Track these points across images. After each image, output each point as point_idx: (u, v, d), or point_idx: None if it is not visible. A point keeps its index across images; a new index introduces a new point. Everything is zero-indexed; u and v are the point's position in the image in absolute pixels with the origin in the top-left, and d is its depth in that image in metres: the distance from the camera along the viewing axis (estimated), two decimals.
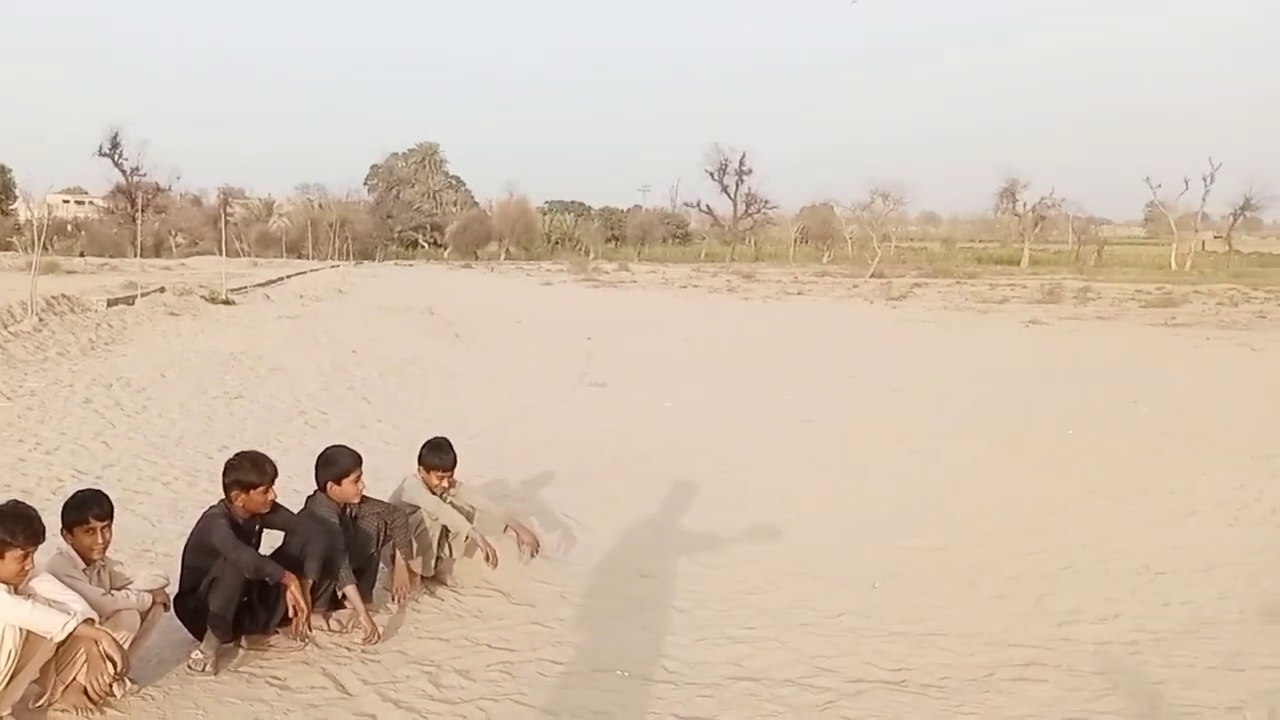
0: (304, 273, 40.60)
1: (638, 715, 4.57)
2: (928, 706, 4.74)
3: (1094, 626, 5.86)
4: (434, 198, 78.79)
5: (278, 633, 5.23)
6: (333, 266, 50.45)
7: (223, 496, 5.07)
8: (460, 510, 6.16)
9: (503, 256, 65.61)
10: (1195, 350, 20.95)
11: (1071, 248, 70.20)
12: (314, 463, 5.64)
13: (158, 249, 58.82)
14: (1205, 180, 63.23)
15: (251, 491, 5.00)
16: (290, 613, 4.97)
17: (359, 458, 5.63)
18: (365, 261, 60.68)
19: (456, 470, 6.28)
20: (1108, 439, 11.30)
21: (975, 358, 19.45)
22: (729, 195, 72.01)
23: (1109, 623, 5.93)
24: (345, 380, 14.29)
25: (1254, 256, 66.70)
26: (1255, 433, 11.55)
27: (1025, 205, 68.93)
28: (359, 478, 5.57)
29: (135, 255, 36.38)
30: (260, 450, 5.33)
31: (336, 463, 5.55)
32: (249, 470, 5.02)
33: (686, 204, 78.01)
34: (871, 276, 44.89)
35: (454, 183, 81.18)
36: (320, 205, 72.57)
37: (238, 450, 5.34)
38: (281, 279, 35.02)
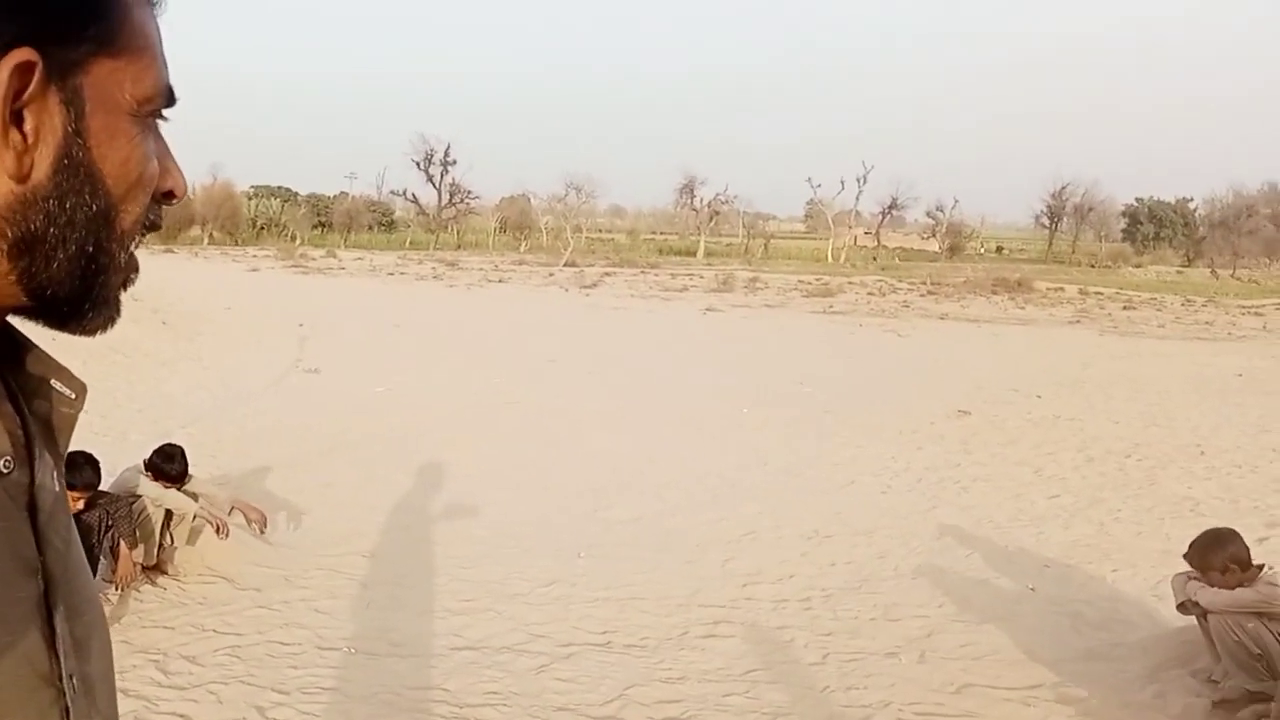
0: None
1: (366, 689, 4.58)
2: (631, 664, 4.99)
3: (772, 586, 6.29)
4: None
5: None
6: None
7: None
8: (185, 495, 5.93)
9: (206, 241, 62.02)
10: (850, 335, 22.53)
11: (742, 241, 73.41)
12: None
13: None
14: (859, 182, 67.29)
15: None
16: None
17: (94, 482, 5.31)
18: None
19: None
20: (777, 416, 12.05)
21: (659, 343, 20.18)
22: (434, 185, 71.01)
23: (785, 582, 6.38)
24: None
25: (898, 251, 71.90)
26: (902, 410, 12.50)
27: (702, 201, 71.34)
28: (80, 499, 5.25)
29: None
30: None
31: (69, 472, 5.22)
32: None
33: (393, 192, 76.31)
34: (565, 265, 45.40)
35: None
36: None
37: None
38: None
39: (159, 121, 0.77)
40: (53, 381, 0.80)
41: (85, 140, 0.69)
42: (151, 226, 0.78)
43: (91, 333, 0.77)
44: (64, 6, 0.68)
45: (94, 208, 0.71)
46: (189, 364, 14.77)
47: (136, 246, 0.77)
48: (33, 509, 0.74)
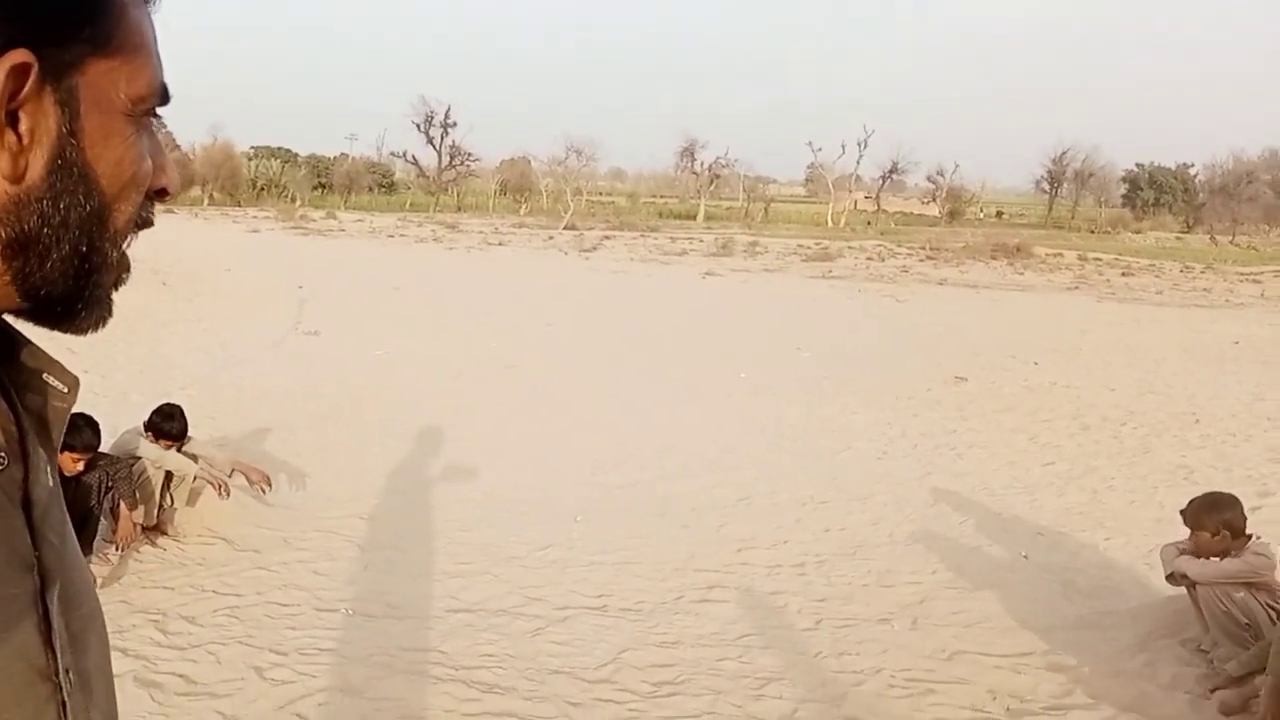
0: None
1: (363, 650, 4.61)
2: (626, 628, 5.03)
3: (767, 551, 6.31)
4: None
5: None
6: None
7: None
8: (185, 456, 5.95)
9: (206, 202, 61.71)
10: (849, 300, 22.49)
11: (742, 204, 73.12)
12: None
13: None
14: (860, 146, 67.26)
15: None
16: None
17: (94, 444, 5.30)
18: None
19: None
20: (774, 382, 12.05)
21: (657, 307, 20.17)
22: (434, 147, 70.65)
23: (779, 548, 6.39)
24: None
25: (898, 215, 71.65)
26: (899, 376, 12.46)
27: (702, 164, 70.98)
28: (80, 461, 5.25)
29: None
30: None
31: (69, 434, 5.22)
32: None
33: (393, 154, 75.89)
34: (565, 229, 45.26)
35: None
36: None
37: None
38: None
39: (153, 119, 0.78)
40: (45, 375, 0.80)
41: (79, 141, 0.70)
42: (144, 224, 0.78)
43: (83, 332, 0.77)
44: (60, 8, 0.68)
45: (88, 208, 0.71)
46: (188, 325, 14.76)
47: (129, 245, 0.78)
48: (27, 504, 0.74)
